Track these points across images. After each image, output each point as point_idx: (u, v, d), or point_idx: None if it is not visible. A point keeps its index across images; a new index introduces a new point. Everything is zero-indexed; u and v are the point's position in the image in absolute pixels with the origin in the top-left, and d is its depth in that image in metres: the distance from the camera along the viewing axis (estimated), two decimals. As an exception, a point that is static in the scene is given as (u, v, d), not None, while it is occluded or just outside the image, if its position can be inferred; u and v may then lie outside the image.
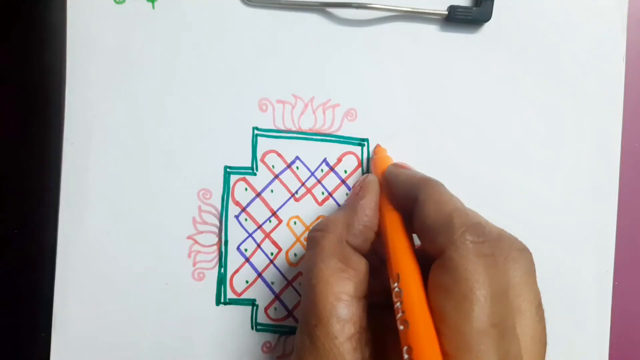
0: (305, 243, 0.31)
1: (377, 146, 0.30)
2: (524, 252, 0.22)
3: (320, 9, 0.30)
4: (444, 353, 0.18)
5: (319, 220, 0.25)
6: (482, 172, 0.31)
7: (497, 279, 0.19)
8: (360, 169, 0.31)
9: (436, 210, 0.22)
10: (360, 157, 0.31)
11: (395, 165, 0.27)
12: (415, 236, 0.23)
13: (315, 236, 0.24)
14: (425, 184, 0.23)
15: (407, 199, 0.24)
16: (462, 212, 0.21)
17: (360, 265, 0.23)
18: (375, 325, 0.23)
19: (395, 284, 0.21)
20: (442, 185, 0.23)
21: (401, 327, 0.19)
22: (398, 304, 0.20)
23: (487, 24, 0.30)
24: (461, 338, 0.18)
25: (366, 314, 0.22)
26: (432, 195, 0.23)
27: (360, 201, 0.25)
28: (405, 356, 0.19)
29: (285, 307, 0.31)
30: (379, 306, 0.24)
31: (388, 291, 0.22)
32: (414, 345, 0.19)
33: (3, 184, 0.32)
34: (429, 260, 0.21)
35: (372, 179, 0.27)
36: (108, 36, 0.31)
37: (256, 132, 0.31)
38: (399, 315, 0.20)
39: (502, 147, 0.31)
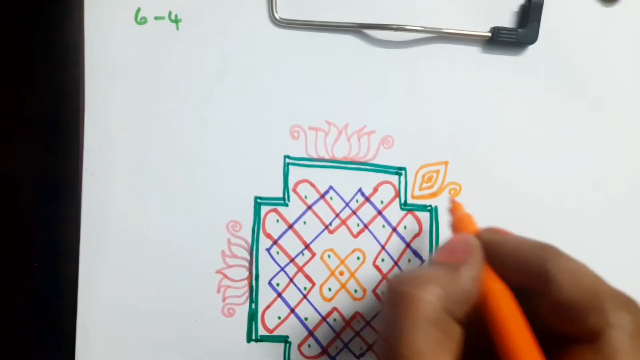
0: (340, 278, 0.29)
1: (453, 202, 0.26)
2: None
3: (356, 30, 0.29)
4: None
5: (406, 274, 0.21)
6: (525, 199, 0.29)
7: None
8: (397, 199, 0.29)
9: (576, 284, 0.19)
10: (397, 186, 0.29)
11: (492, 230, 0.23)
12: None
13: (409, 293, 0.20)
14: (551, 252, 0.20)
15: (525, 272, 0.21)
16: (606, 285, 0.19)
17: (458, 335, 0.20)
18: None
19: None
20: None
21: None
22: None
23: (531, 46, 0.29)
24: None
25: None
26: (566, 265, 0.20)
27: (464, 265, 0.21)
28: None
29: (320, 343, 0.30)
30: None
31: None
32: None
33: (22, 216, 0.30)
34: (556, 340, 0.19)
35: (476, 242, 0.22)
36: (129, 58, 0.29)
37: (288, 160, 0.29)
38: None
39: (544, 173, 0.29)
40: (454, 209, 0.26)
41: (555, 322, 0.19)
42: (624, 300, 0.18)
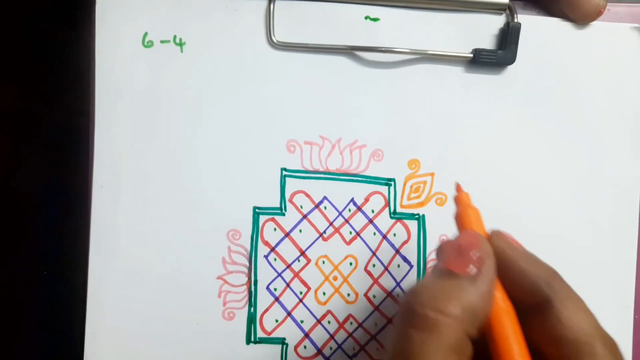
0: (334, 282, 0.31)
1: (460, 191, 0.24)
2: None
3: (348, 52, 0.31)
4: None
5: (423, 291, 0.20)
6: (506, 208, 0.31)
7: None
8: (387, 209, 0.31)
9: (577, 324, 0.20)
10: (387, 196, 0.31)
11: (500, 236, 0.23)
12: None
13: (430, 317, 0.19)
14: (556, 281, 0.21)
15: (529, 294, 0.21)
16: (599, 327, 0.20)
17: (470, 352, 0.20)
18: None
19: None
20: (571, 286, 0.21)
21: None
22: None
23: (510, 67, 0.31)
24: None
25: None
26: (569, 301, 0.20)
27: (479, 278, 0.20)
28: None
29: (315, 345, 0.31)
30: None
31: None
32: None
33: (33, 226, 0.32)
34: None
35: (489, 249, 0.21)
36: (137, 79, 0.31)
37: (284, 173, 0.31)
38: None
39: (523, 187, 0.31)
40: (460, 199, 0.23)
41: (549, 348, 0.20)
42: (610, 344, 0.20)
